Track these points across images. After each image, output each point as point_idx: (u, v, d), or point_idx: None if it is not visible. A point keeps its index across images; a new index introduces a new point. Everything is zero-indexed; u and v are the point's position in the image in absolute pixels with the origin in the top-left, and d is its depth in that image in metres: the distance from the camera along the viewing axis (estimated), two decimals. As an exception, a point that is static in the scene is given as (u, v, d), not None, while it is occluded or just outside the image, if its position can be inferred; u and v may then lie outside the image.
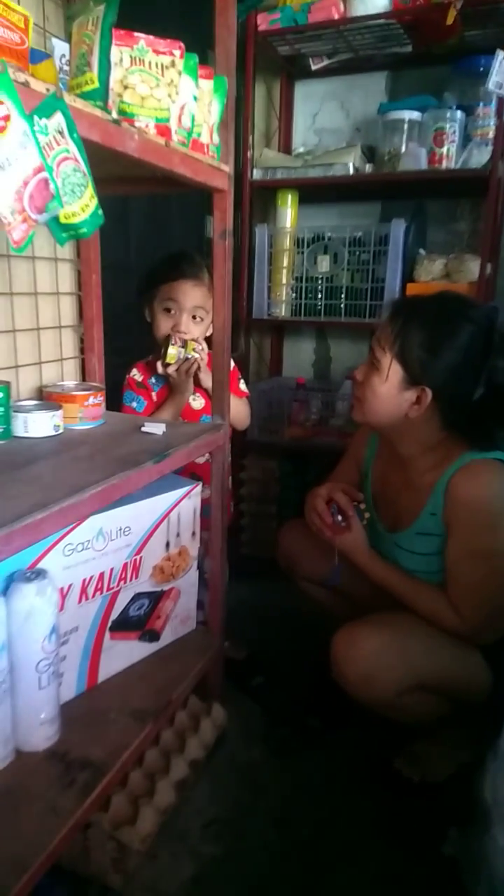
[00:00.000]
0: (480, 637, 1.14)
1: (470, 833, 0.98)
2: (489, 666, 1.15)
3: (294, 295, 2.05)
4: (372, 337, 1.19)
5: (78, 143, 0.75)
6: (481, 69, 1.71)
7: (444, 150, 1.75)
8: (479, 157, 1.74)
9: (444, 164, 1.76)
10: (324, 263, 1.98)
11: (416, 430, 1.18)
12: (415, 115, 1.81)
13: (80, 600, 1.07)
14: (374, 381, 1.16)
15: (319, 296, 2.01)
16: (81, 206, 0.77)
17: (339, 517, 1.26)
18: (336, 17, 1.76)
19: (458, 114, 1.75)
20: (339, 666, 1.14)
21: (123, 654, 1.21)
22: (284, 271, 2.04)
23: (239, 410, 1.46)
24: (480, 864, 0.93)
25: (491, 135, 1.73)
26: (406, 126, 1.83)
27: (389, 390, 1.14)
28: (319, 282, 2.00)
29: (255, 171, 1.97)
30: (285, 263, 2.03)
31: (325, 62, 2.00)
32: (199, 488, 1.26)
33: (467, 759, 1.24)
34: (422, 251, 1.90)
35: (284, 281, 2.04)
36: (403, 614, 1.19)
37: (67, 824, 0.89)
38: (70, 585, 1.04)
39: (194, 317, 1.41)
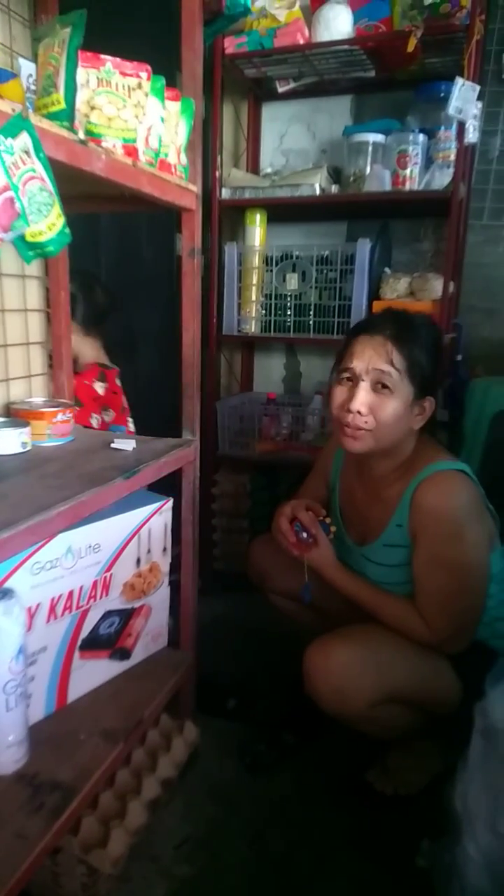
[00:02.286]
0: (448, 646, 1.15)
1: (442, 844, 0.99)
2: (458, 675, 1.16)
3: (264, 312, 2.07)
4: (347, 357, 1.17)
5: (44, 163, 0.75)
6: (442, 94, 1.77)
7: (408, 171, 1.80)
8: (441, 178, 1.79)
9: (408, 186, 1.80)
10: (292, 281, 2.00)
11: (401, 443, 1.19)
12: (379, 137, 1.86)
13: (48, 619, 1.05)
14: (388, 404, 1.11)
15: (289, 313, 2.04)
16: (48, 224, 0.77)
17: (305, 534, 1.27)
18: (301, 42, 1.81)
19: (421, 137, 1.80)
20: (312, 681, 1.14)
21: (93, 673, 1.19)
22: (254, 289, 2.06)
23: None
24: (452, 875, 0.93)
25: (452, 157, 1.78)
26: (370, 148, 1.87)
27: (404, 409, 1.12)
28: (288, 299, 2.02)
29: (223, 190, 1.99)
30: (255, 281, 2.05)
31: (292, 85, 2.04)
32: (170, 504, 1.26)
33: (440, 771, 1.25)
34: (387, 270, 1.94)
35: (254, 298, 2.07)
36: (374, 626, 1.19)
37: (36, 850, 0.87)
38: (38, 604, 1.03)
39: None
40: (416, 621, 1.14)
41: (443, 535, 1.12)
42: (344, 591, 1.25)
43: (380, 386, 1.11)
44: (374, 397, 1.12)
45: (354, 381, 1.14)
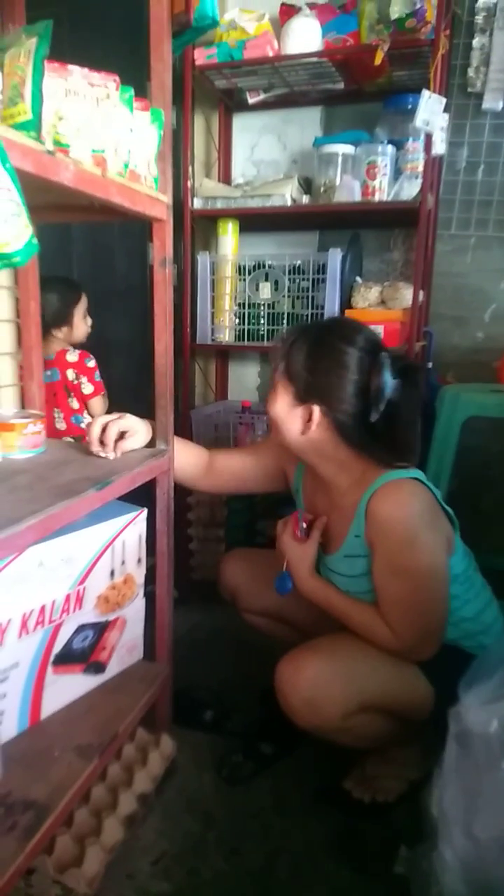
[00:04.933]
0: (416, 654, 1.15)
1: (420, 851, 0.99)
2: (430, 680, 1.17)
3: (237, 321, 2.08)
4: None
5: (11, 173, 0.75)
6: (409, 106, 1.81)
7: (377, 182, 1.82)
8: (410, 189, 1.82)
9: (377, 197, 1.83)
10: (265, 290, 2.02)
11: (324, 451, 1.19)
12: (348, 148, 1.88)
13: (20, 635, 1.04)
14: (272, 400, 1.21)
15: (262, 321, 2.04)
16: (15, 235, 0.76)
17: (304, 524, 1.27)
18: (270, 54, 1.83)
19: (389, 148, 1.83)
20: (284, 695, 1.14)
21: (67, 688, 1.17)
22: (227, 298, 2.06)
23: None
24: (430, 881, 0.93)
25: (420, 168, 1.81)
26: (340, 159, 1.89)
27: (283, 408, 1.18)
28: (262, 308, 2.03)
29: (195, 200, 2.00)
30: (228, 290, 2.06)
31: (262, 96, 2.06)
32: (144, 514, 1.25)
33: (417, 778, 1.25)
34: (358, 279, 1.97)
35: (227, 307, 2.07)
36: (343, 636, 1.19)
37: (8, 871, 0.85)
38: (9, 620, 1.01)
39: None
40: (383, 630, 1.14)
41: (397, 544, 1.12)
42: (314, 597, 1.24)
43: (272, 384, 1.22)
44: (269, 393, 1.23)
45: None
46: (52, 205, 1.10)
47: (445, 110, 1.74)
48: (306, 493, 1.37)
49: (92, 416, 1.85)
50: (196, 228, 2.08)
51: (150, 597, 1.33)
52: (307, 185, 2.02)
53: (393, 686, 1.15)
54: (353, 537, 1.19)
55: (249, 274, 2.02)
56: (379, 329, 1.83)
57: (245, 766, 1.35)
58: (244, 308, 2.05)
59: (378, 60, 1.69)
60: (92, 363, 1.90)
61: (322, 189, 1.93)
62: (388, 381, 1.10)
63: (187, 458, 1.37)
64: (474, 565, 1.28)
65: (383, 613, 1.15)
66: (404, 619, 1.13)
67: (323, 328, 1.21)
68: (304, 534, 1.26)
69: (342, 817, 1.24)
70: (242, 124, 2.22)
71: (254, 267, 2.01)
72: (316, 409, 1.14)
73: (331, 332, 1.18)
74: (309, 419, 1.15)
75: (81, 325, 1.87)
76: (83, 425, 1.86)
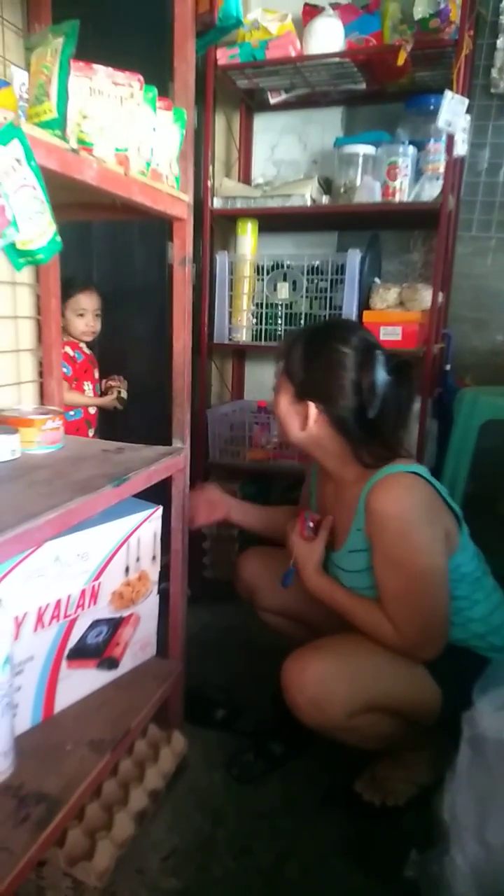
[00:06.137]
0: (420, 651, 1.15)
1: (431, 855, 0.99)
2: (438, 682, 1.16)
3: (255, 320, 2.08)
4: None
5: (36, 171, 0.75)
6: (431, 107, 1.80)
7: (398, 183, 1.81)
8: (431, 190, 1.81)
9: (398, 197, 1.82)
10: (283, 290, 2.02)
11: (325, 446, 1.22)
12: (369, 149, 1.88)
13: (35, 628, 1.04)
14: (275, 398, 1.25)
15: (279, 321, 2.05)
16: (39, 232, 0.77)
17: (311, 523, 1.28)
18: (293, 54, 1.83)
19: (411, 149, 1.82)
20: (289, 693, 1.14)
21: (81, 682, 1.18)
22: (245, 297, 2.07)
23: None
24: (440, 886, 0.93)
25: (441, 170, 1.80)
26: (361, 160, 1.89)
27: (284, 405, 1.23)
28: (279, 308, 2.03)
29: (215, 200, 2.00)
30: (246, 290, 2.06)
31: (283, 96, 2.06)
32: (159, 512, 1.26)
33: (428, 782, 1.25)
34: (377, 280, 1.96)
35: (245, 307, 2.07)
36: (350, 636, 1.19)
37: (20, 863, 0.86)
38: (25, 614, 1.02)
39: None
40: (386, 626, 1.14)
41: (391, 537, 1.12)
42: (319, 594, 1.25)
43: (275, 383, 1.26)
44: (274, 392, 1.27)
45: None
46: (75, 203, 1.11)
47: (468, 111, 1.73)
48: (318, 493, 1.38)
49: None
50: (215, 228, 2.09)
51: (163, 594, 1.34)
52: (327, 186, 2.01)
53: (398, 686, 1.15)
54: (356, 531, 1.20)
55: (268, 274, 2.02)
56: (397, 330, 1.82)
57: (255, 766, 1.35)
58: (262, 308, 2.05)
59: (401, 61, 1.69)
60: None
61: (342, 189, 1.93)
62: (381, 378, 1.13)
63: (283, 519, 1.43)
64: (484, 567, 1.27)
65: (385, 609, 1.15)
66: (404, 614, 1.13)
67: (320, 329, 1.24)
68: (311, 533, 1.28)
69: (352, 819, 1.23)
70: (263, 124, 2.22)
71: (272, 267, 2.02)
72: (312, 406, 1.17)
73: (327, 332, 1.21)
74: (306, 416, 1.18)
75: (74, 320, 1.90)
76: None
